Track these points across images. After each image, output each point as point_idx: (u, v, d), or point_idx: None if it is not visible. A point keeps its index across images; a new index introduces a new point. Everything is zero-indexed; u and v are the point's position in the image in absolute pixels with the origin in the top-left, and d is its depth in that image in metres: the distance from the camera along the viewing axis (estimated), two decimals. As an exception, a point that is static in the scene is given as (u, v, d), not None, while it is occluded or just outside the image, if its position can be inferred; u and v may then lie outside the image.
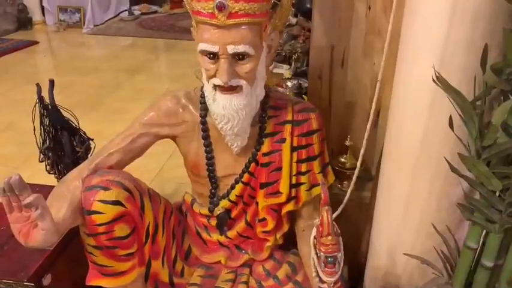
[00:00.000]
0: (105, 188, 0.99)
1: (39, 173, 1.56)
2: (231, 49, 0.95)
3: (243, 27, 0.94)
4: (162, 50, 4.79)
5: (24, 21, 5.09)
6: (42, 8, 5.35)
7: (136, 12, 5.75)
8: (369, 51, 1.32)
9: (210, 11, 0.92)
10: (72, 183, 1.03)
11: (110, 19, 5.58)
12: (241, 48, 0.95)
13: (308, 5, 2.71)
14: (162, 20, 5.60)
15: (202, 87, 1.13)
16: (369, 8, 1.27)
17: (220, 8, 0.91)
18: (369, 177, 1.47)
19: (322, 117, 1.17)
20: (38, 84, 1.42)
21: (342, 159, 1.42)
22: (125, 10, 5.75)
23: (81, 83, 3.61)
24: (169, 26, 5.35)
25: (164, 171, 2.33)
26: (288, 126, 1.13)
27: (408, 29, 0.96)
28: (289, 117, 1.13)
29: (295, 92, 1.73)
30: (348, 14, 1.29)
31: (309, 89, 1.43)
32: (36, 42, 4.66)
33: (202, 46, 0.97)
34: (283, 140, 1.13)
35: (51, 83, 1.41)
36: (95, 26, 5.28)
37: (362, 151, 1.18)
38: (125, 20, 5.56)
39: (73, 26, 5.25)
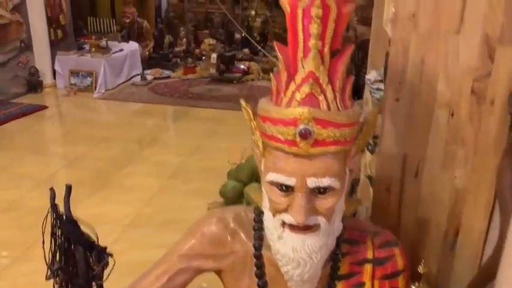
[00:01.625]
0: None
1: (42, 265, 1.32)
2: (311, 182, 0.74)
3: (329, 156, 0.74)
4: (174, 117, 4.63)
5: (34, 85, 4.98)
6: (54, 72, 5.26)
7: (149, 77, 5.67)
8: (449, 163, 1.12)
9: (290, 138, 0.72)
10: None
11: (121, 83, 5.47)
12: (325, 182, 0.75)
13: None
14: (175, 85, 5.51)
15: (255, 208, 0.91)
16: (452, 114, 1.08)
17: (305, 135, 0.71)
18: (445, 309, 1.22)
19: (405, 249, 0.94)
20: (52, 189, 1.20)
21: (415, 289, 1.17)
22: (137, 74, 5.68)
23: (89, 155, 3.41)
24: (182, 92, 5.24)
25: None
26: (368, 267, 0.90)
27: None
28: (369, 255, 0.90)
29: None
30: (426, 121, 1.10)
31: (373, 203, 1.21)
32: (45, 107, 4.50)
33: (274, 177, 0.76)
34: (362, 284, 0.90)
35: (68, 189, 1.18)
36: (106, 90, 5.15)
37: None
38: (137, 85, 5.46)
39: (84, 90, 5.11)
